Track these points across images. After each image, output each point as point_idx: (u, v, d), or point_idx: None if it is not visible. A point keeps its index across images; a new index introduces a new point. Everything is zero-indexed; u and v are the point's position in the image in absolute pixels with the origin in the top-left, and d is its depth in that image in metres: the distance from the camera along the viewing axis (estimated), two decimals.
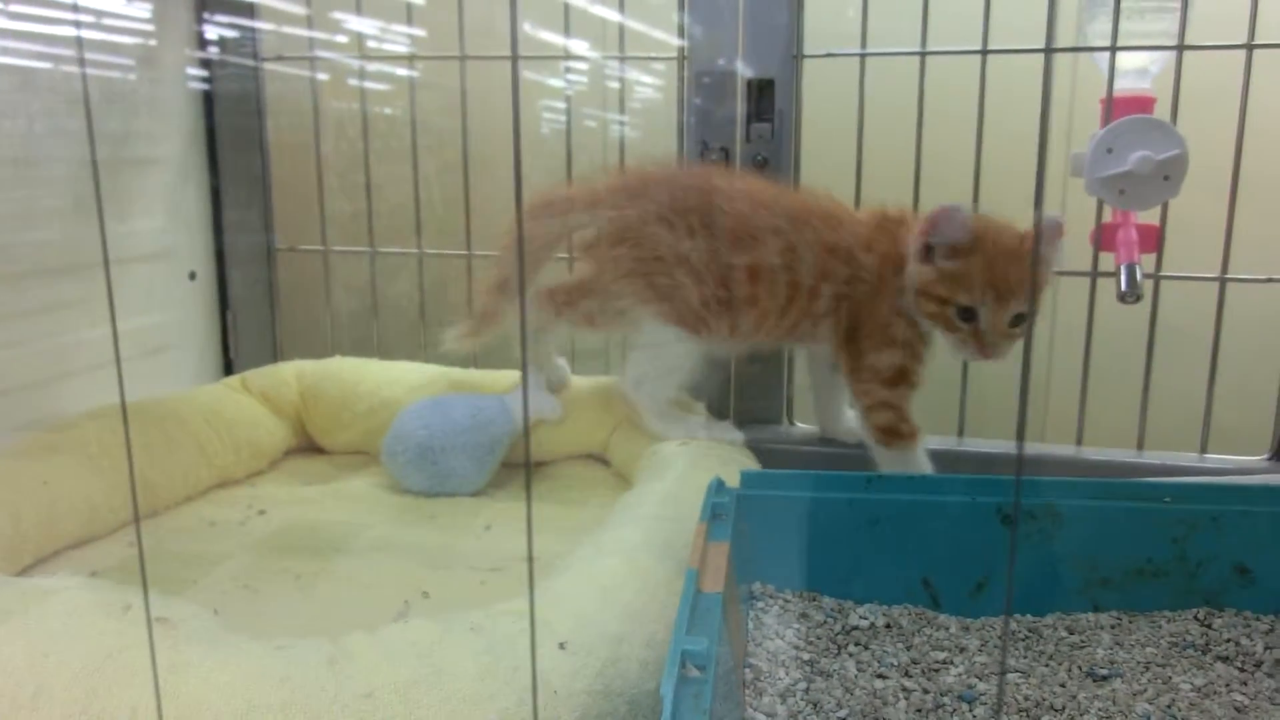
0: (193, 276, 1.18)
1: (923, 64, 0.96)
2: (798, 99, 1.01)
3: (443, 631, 0.45)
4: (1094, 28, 0.95)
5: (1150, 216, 0.94)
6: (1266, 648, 0.57)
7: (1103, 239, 0.95)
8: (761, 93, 1.01)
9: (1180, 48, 0.90)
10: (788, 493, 0.66)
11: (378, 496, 0.92)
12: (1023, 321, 0.81)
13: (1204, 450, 0.97)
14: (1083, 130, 0.91)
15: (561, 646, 0.46)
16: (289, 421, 1.04)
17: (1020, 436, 0.99)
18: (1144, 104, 0.91)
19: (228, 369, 1.20)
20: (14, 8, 0.90)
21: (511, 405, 0.94)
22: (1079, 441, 1.00)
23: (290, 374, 1.05)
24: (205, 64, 1.15)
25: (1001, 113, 0.96)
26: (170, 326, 1.15)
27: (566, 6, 1.05)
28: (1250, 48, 0.88)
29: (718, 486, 0.64)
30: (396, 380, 1.03)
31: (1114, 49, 0.91)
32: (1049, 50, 0.94)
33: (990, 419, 1.04)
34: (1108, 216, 0.94)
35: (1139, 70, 0.94)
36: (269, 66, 1.16)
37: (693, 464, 0.76)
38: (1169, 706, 0.51)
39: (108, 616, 0.43)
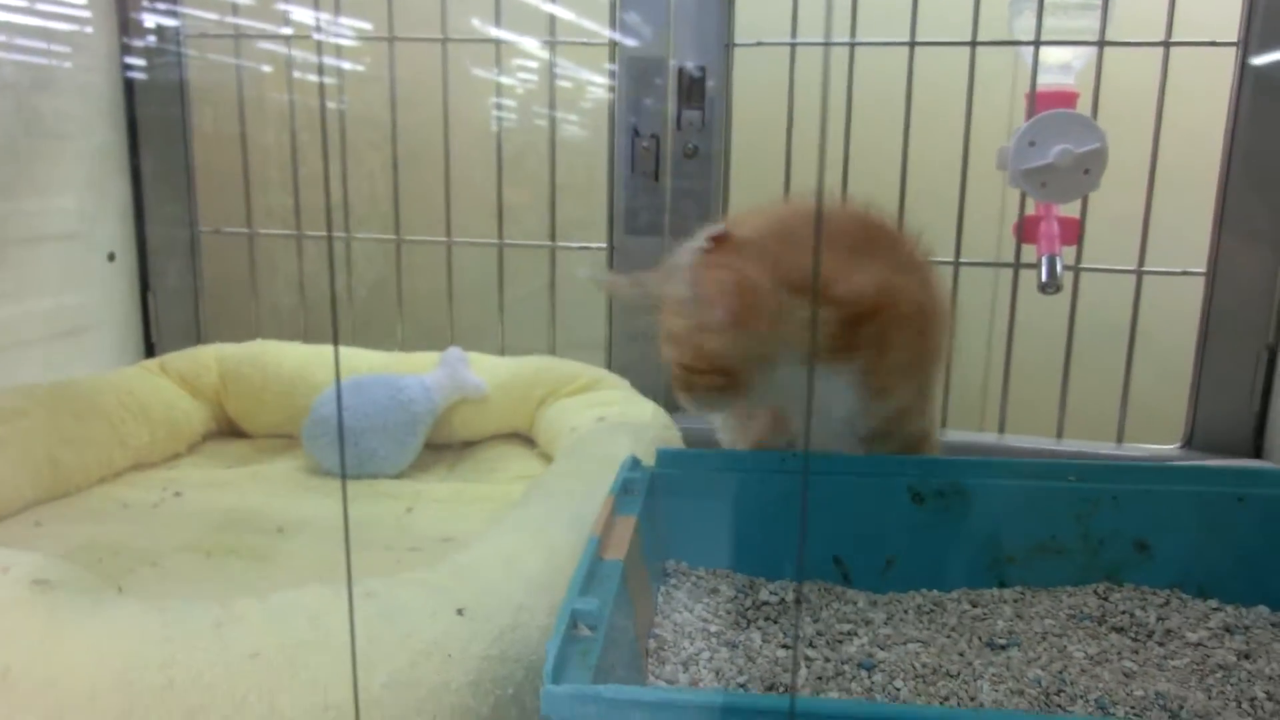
0: (111, 258, 1.15)
1: (852, 54, 0.97)
2: (729, 88, 1.02)
3: (334, 596, 0.45)
4: (1020, 23, 0.97)
5: (1072, 210, 0.96)
6: (1159, 619, 0.58)
7: (1025, 231, 0.97)
8: (693, 81, 1.02)
9: (1101, 44, 0.93)
10: (702, 471, 0.66)
11: (298, 479, 0.90)
12: None
13: (1120, 439, 1.00)
14: (1016, 125, 0.93)
15: (459, 613, 0.46)
16: (209, 404, 1.01)
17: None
18: (1067, 99, 0.94)
19: (149, 352, 1.17)
20: None
21: (432, 385, 0.93)
22: (1001, 429, 1.02)
23: (210, 357, 1.03)
24: (129, 49, 1.12)
25: (933, 105, 0.97)
26: (89, 308, 1.12)
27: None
28: (1168, 45, 0.91)
29: (632, 463, 0.64)
30: (319, 363, 1.01)
31: (1038, 44, 0.93)
32: (974, 44, 0.96)
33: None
34: (1031, 209, 0.96)
35: (1062, 66, 0.96)
36: (203, 56, 1.14)
37: (611, 441, 0.76)
38: (1060, 672, 0.52)
39: None
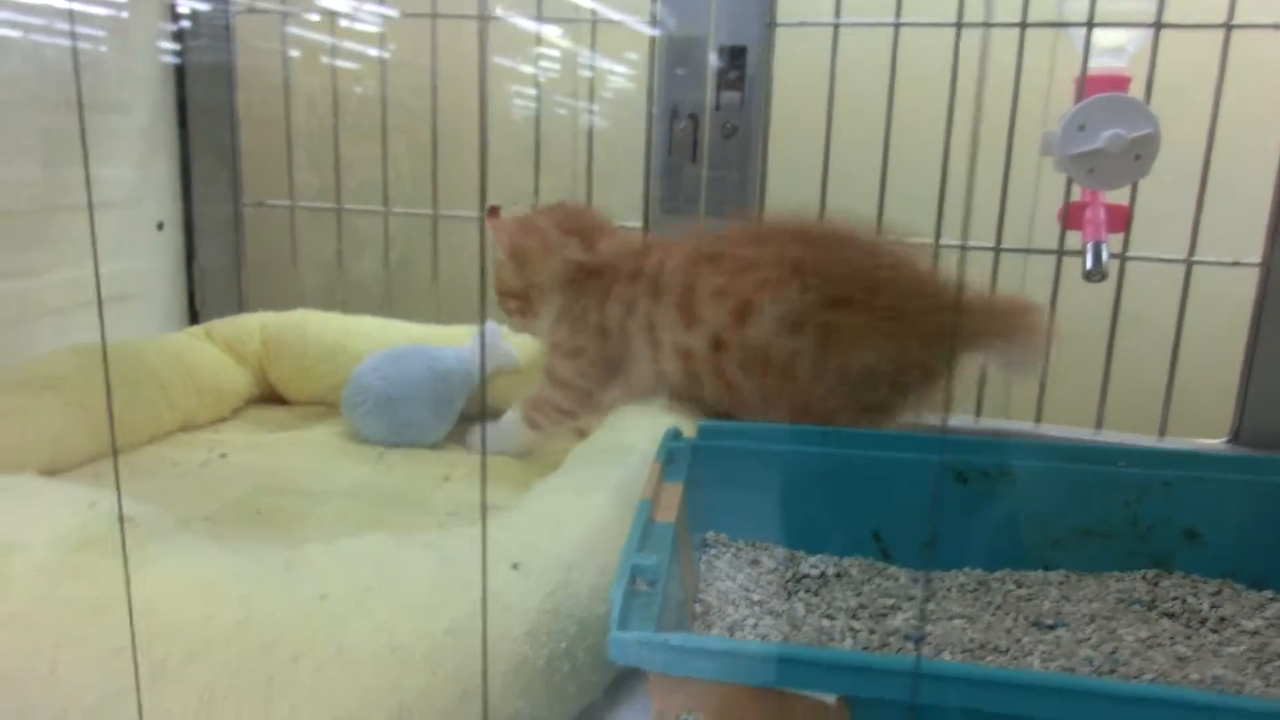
0: (160, 227, 1.17)
1: (896, 35, 0.96)
2: (769, 68, 1.01)
3: (397, 545, 0.45)
4: (1071, 5, 0.96)
5: (1120, 197, 0.95)
6: (1212, 606, 0.58)
7: (1070, 217, 0.96)
8: (733, 59, 1.01)
9: (1157, 25, 0.91)
10: (743, 443, 0.66)
11: (337, 445, 0.92)
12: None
13: (1163, 432, 0.99)
14: (1059, 109, 0.92)
15: (515, 567, 0.47)
16: (252, 371, 1.03)
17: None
18: (1119, 83, 0.92)
19: (193, 320, 1.19)
20: None
21: (468, 356, 0.93)
22: (1038, 418, 1.01)
23: (254, 325, 1.04)
24: (178, 34, 1.14)
25: (975, 87, 0.96)
26: (137, 275, 1.14)
27: None
28: (1228, 27, 0.89)
29: (674, 434, 0.65)
30: (358, 333, 1.03)
31: (1090, 25, 0.92)
32: (1024, 25, 0.95)
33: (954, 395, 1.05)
34: (1077, 196, 0.95)
35: (1115, 49, 0.95)
36: (242, 37, 1.16)
37: (647, 413, 0.76)
38: (1112, 653, 0.52)
39: (74, 511, 0.43)
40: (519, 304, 0.88)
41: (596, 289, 0.83)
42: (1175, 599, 0.58)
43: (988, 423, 1.02)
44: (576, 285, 0.84)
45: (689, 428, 0.68)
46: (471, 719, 0.40)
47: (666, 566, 0.44)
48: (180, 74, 1.16)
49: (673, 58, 1.03)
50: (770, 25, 1.01)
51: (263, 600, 0.40)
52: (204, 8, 1.15)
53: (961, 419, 1.03)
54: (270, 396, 1.06)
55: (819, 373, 0.75)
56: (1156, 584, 0.60)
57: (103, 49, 1.07)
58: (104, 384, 0.85)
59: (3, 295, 0.95)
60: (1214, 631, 0.55)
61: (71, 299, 1.04)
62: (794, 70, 1.03)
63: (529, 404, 0.87)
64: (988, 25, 0.96)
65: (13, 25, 0.94)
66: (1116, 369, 0.98)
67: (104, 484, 0.78)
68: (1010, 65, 0.96)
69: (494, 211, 0.90)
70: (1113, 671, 0.50)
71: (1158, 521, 0.63)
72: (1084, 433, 1.00)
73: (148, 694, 0.37)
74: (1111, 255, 0.93)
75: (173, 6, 1.14)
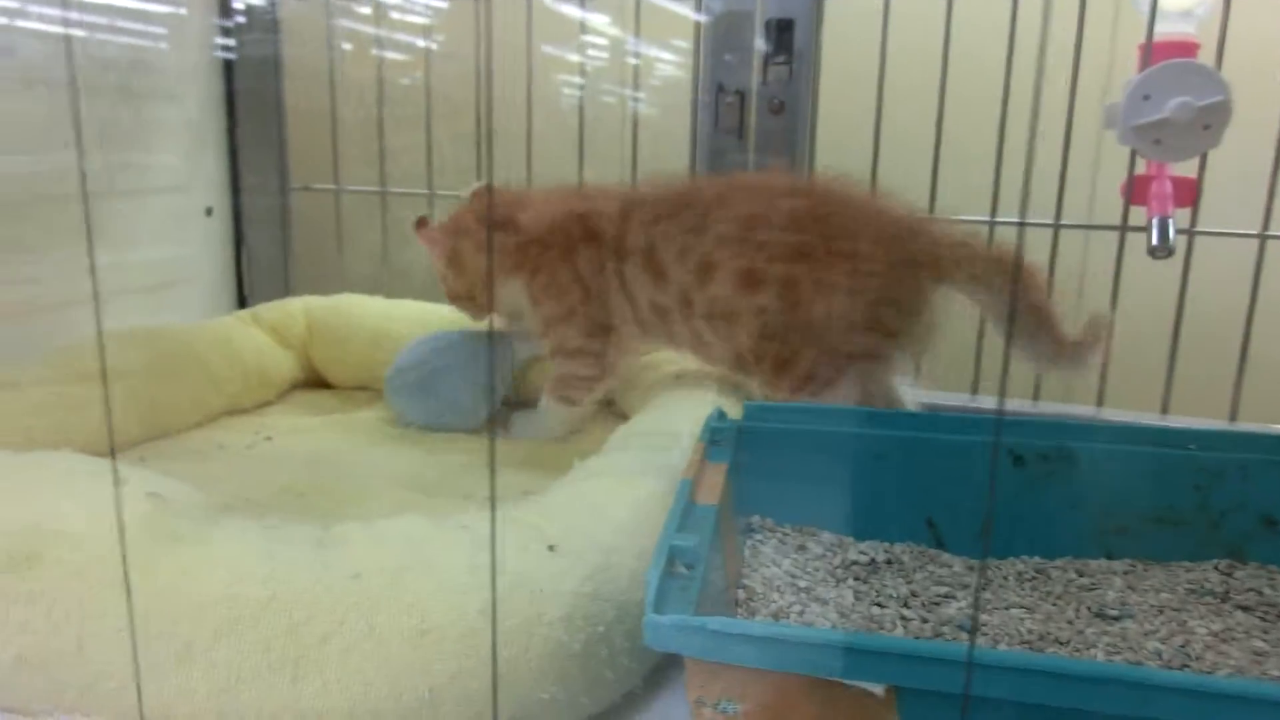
0: (209, 212, 1.18)
1: (950, 5, 0.92)
2: (818, 40, 0.98)
3: (433, 526, 0.44)
4: None
5: (1187, 169, 0.90)
6: None
7: (1134, 192, 0.92)
8: (781, 33, 0.98)
9: None
10: (789, 425, 0.64)
11: (381, 429, 0.91)
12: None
13: (1234, 417, 0.94)
14: (1121, 80, 0.87)
15: (551, 549, 0.45)
16: (296, 354, 1.03)
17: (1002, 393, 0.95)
18: (1186, 49, 0.88)
19: (241, 304, 1.20)
20: None
21: (515, 342, 0.93)
22: (1100, 403, 0.97)
23: (298, 309, 1.05)
24: (230, 29, 1.16)
25: (1033, 57, 0.92)
26: (186, 260, 1.15)
27: None
28: None
29: (719, 414, 0.63)
30: (401, 317, 1.02)
31: None
32: None
33: (1010, 377, 1.01)
34: (1141, 169, 0.91)
35: (1182, 12, 0.90)
36: (294, 30, 1.17)
37: (691, 396, 0.75)
38: (1183, 646, 0.49)
39: (103, 487, 0.43)
40: (468, 303, 0.90)
41: (554, 255, 0.83)
42: (1250, 590, 0.55)
43: (1047, 407, 0.99)
44: (529, 260, 0.84)
45: (736, 410, 0.66)
46: (502, 706, 0.39)
47: (707, 550, 0.42)
48: (229, 66, 1.18)
49: (718, 32, 1.00)
50: None
51: (291, 579, 0.39)
52: (258, 2, 1.16)
53: (1018, 403, 0.99)
54: (315, 380, 1.06)
55: (794, 329, 0.74)
56: (1230, 574, 0.57)
57: (163, 46, 1.09)
58: (153, 369, 0.86)
59: (54, 279, 0.97)
60: None
61: (125, 283, 1.05)
62: (844, 44, 1.00)
63: (555, 385, 0.86)
64: None
65: (81, 25, 0.98)
66: (1184, 351, 0.94)
67: (150, 466, 0.79)
68: (1070, 34, 0.92)
69: (421, 222, 0.90)
70: (1184, 666, 0.47)
71: (1232, 508, 0.60)
72: (1150, 418, 0.96)
73: (174, 674, 0.37)
74: (1178, 230, 0.89)
75: (227, 2, 1.16)
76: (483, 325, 0.96)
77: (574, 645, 0.42)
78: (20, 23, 0.93)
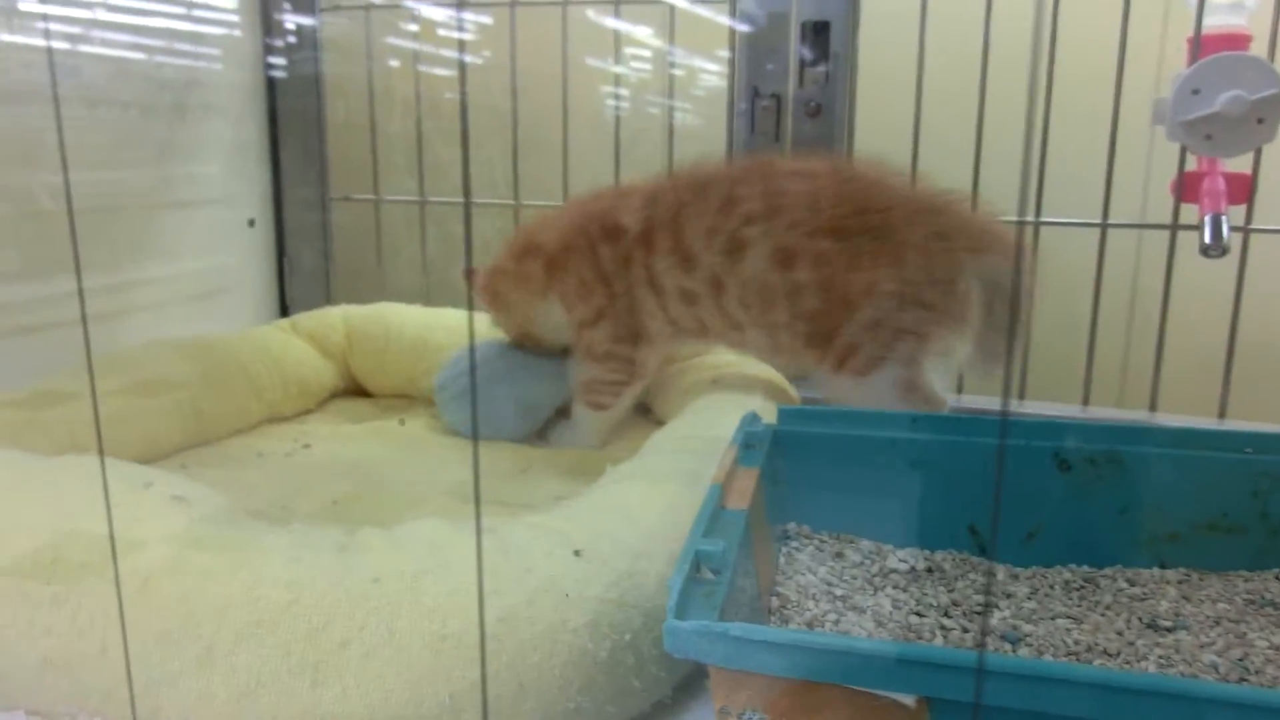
0: (252, 224, 1.20)
1: (989, 5, 0.90)
2: (854, 41, 0.97)
3: (455, 530, 0.44)
4: None
5: (1241, 165, 0.87)
6: None
7: (1185, 189, 0.89)
8: (817, 35, 0.97)
9: None
10: (826, 430, 0.62)
11: (418, 436, 0.91)
12: None
13: None
14: (1171, 76, 0.85)
15: (576, 554, 0.44)
16: (336, 363, 1.04)
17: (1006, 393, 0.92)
18: (1237, 41, 0.85)
19: (284, 313, 1.21)
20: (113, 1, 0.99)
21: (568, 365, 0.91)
22: (1152, 407, 0.94)
23: (337, 318, 1.05)
24: (271, 48, 1.18)
25: (1079, 56, 0.90)
26: (230, 270, 1.17)
27: None
28: None
29: (752, 418, 0.61)
30: (440, 325, 1.03)
31: None
32: None
33: (1059, 381, 0.98)
34: (1192, 165, 0.88)
35: (1232, 4, 0.87)
36: (344, 47, 1.19)
37: (727, 401, 0.73)
38: (1240, 660, 0.46)
39: (129, 490, 0.43)
40: (532, 343, 0.90)
41: (576, 257, 0.83)
42: None
43: (1097, 411, 0.96)
44: (555, 270, 0.84)
45: (771, 414, 0.64)
46: (525, 714, 0.38)
47: (736, 555, 0.41)
48: (270, 83, 1.20)
49: (754, 36, 0.99)
50: None
51: (312, 583, 0.39)
52: (308, 22, 1.18)
53: (1067, 408, 0.96)
54: (355, 389, 1.07)
55: (827, 305, 0.73)
56: None
57: (217, 66, 1.13)
58: (196, 378, 0.87)
59: (99, 290, 0.99)
60: None
61: (171, 293, 1.07)
62: (881, 46, 0.99)
63: (584, 390, 0.86)
64: None
65: (138, 48, 1.02)
66: (1242, 353, 0.90)
67: (188, 474, 0.80)
68: (1116, 29, 0.89)
69: (470, 274, 0.90)
70: (1243, 680, 0.44)
71: None
72: (1205, 423, 0.92)
73: (195, 678, 0.37)
74: (1232, 228, 0.86)
75: (280, 22, 1.18)
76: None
77: (600, 653, 0.41)
78: (84, 47, 0.96)
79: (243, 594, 0.38)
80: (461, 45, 1.11)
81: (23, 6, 0.91)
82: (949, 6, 0.93)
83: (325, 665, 0.37)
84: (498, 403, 0.89)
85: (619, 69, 1.09)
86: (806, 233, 0.73)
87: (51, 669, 0.38)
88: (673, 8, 1.04)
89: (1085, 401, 0.96)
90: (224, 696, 0.37)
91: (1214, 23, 0.86)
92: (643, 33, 1.09)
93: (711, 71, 1.09)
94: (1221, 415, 0.92)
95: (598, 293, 0.82)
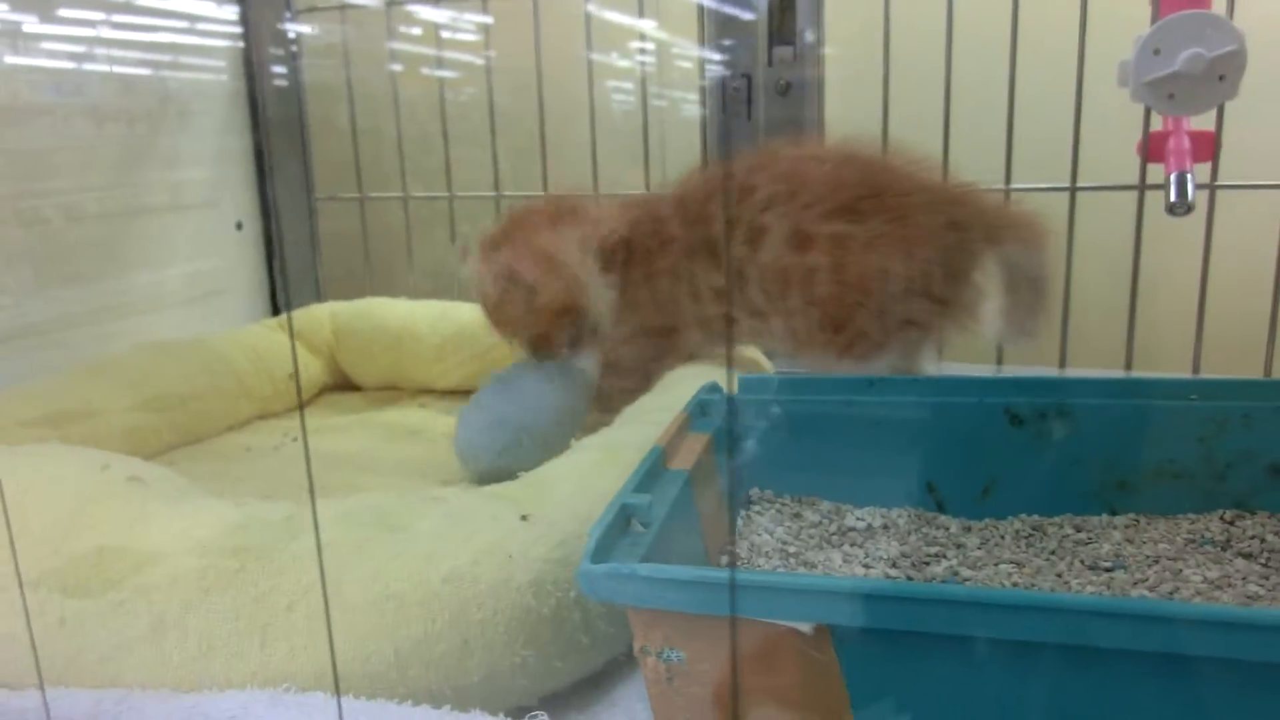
0: (239, 226, 1.22)
1: None
2: (820, 19, 0.98)
3: (400, 501, 0.46)
4: None
5: (1205, 123, 0.88)
6: None
7: (1151, 149, 0.89)
8: (784, 14, 0.98)
9: None
10: (787, 396, 0.64)
11: (405, 427, 0.94)
12: None
13: (1268, 374, 0.91)
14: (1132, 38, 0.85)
15: (524, 519, 0.46)
16: (323, 359, 1.06)
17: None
18: (1199, 1, 0.85)
19: (274, 313, 1.24)
20: (117, 18, 1.03)
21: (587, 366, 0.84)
22: (1128, 365, 0.95)
23: (324, 314, 1.08)
24: (254, 58, 1.21)
25: (1042, 31, 0.91)
26: (221, 273, 1.20)
27: None
28: None
29: (711, 387, 0.63)
30: (424, 316, 1.05)
31: None
32: None
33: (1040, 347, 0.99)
34: (1157, 127, 0.88)
35: None
36: (354, 49, 1.21)
37: (699, 377, 0.75)
38: (1171, 594, 0.48)
39: (85, 472, 0.45)
40: (543, 341, 0.80)
41: (638, 274, 0.79)
42: (1254, 538, 0.53)
43: (1075, 373, 0.97)
44: (616, 272, 0.79)
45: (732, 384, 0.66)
46: (472, 669, 0.40)
47: (669, 510, 0.42)
48: (253, 88, 1.22)
49: (723, 16, 1.01)
50: None
51: (259, 550, 0.41)
52: (297, 28, 1.20)
53: (1047, 369, 0.97)
54: (343, 383, 1.09)
55: (841, 289, 0.72)
56: (1233, 524, 0.55)
57: (223, 78, 1.18)
58: (177, 377, 0.90)
59: (96, 294, 1.02)
60: None
61: (162, 298, 1.10)
62: (847, 19, 1.00)
63: (603, 401, 0.81)
64: None
65: (145, 64, 1.07)
66: (1213, 308, 0.91)
67: (176, 468, 0.82)
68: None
69: (465, 252, 0.82)
70: None
71: (1237, 458, 0.58)
72: (1180, 379, 0.93)
73: (149, 644, 0.39)
74: (1199, 185, 0.86)
75: (264, 28, 1.20)
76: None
77: (543, 610, 0.43)
78: (89, 66, 0.99)
79: (191, 564, 0.40)
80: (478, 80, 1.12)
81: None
82: None
83: (272, 628, 0.39)
84: (529, 448, 0.75)
85: (626, 63, 1.10)
86: (821, 214, 0.72)
87: (11, 642, 0.40)
88: None
89: (1062, 364, 0.97)
90: (178, 660, 0.39)
91: None
92: (648, 25, 1.09)
93: (719, 62, 1.08)
94: (1195, 371, 0.93)
95: (645, 312, 0.79)
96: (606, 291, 0.79)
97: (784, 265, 0.73)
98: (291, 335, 1.05)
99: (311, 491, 0.45)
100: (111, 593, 0.40)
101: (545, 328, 0.78)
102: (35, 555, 0.41)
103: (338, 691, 0.36)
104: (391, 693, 0.39)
